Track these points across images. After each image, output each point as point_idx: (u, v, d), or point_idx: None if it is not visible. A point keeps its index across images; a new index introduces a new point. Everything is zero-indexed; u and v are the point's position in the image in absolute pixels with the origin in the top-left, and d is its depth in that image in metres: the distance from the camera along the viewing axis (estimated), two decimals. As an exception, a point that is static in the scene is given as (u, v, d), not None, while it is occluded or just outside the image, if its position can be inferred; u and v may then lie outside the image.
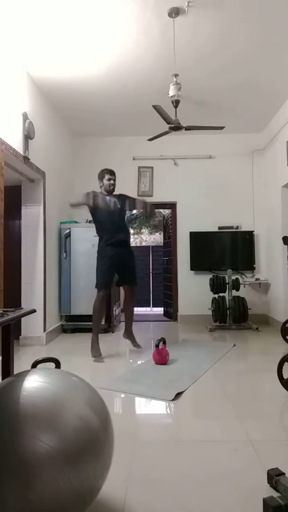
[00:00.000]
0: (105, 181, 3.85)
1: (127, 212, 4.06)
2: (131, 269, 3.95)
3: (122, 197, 3.97)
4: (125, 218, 4.06)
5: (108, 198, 3.84)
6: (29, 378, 1.34)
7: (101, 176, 3.90)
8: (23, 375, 1.37)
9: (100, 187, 3.91)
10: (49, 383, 1.33)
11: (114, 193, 3.94)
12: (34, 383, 1.32)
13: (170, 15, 3.07)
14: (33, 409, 1.23)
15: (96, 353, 3.64)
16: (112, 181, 3.86)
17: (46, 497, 1.14)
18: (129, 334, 3.95)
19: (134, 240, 13.07)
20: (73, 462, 1.19)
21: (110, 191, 3.87)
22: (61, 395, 1.30)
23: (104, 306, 3.97)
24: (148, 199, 5.84)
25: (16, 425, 1.19)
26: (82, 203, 3.74)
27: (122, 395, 2.75)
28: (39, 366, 1.73)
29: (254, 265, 5.69)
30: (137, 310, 7.80)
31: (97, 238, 3.90)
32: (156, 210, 11.70)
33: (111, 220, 3.81)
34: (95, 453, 1.26)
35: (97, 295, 3.80)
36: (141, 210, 4.04)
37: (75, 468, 1.19)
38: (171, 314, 6.15)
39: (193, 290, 5.73)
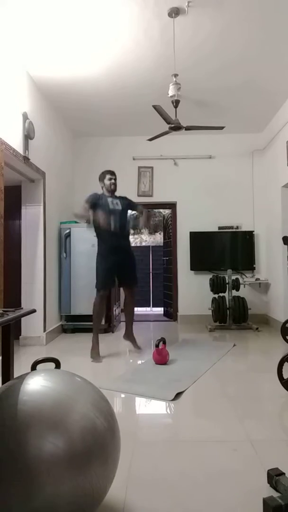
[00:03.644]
0: (106, 181, 3.86)
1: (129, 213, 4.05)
2: (131, 270, 3.94)
3: (125, 200, 3.96)
4: (127, 221, 4.01)
5: (110, 199, 3.83)
6: (33, 380, 1.31)
7: (102, 177, 3.91)
8: (26, 376, 1.34)
9: (102, 187, 3.91)
10: (53, 384, 1.30)
11: (117, 194, 3.93)
12: (38, 384, 1.29)
13: (170, 15, 3.06)
14: (38, 411, 1.20)
15: (96, 355, 3.64)
16: (113, 181, 3.87)
17: (53, 499, 1.12)
18: (129, 335, 3.94)
19: (134, 240, 13.07)
20: (80, 464, 1.16)
21: (112, 191, 3.87)
22: (65, 397, 1.27)
23: (104, 306, 3.96)
24: (148, 199, 5.87)
25: (21, 427, 1.16)
26: (85, 215, 3.70)
27: (122, 395, 2.75)
28: (39, 366, 1.73)
29: (254, 265, 5.69)
30: (137, 310, 7.77)
31: (97, 238, 3.88)
32: (156, 210, 11.62)
33: (112, 224, 3.76)
34: (102, 455, 1.23)
35: (96, 295, 3.80)
36: (138, 214, 4.03)
37: (82, 470, 1.16)
38: (171, 314, 6.15)
39: (193, 290, 5.73)
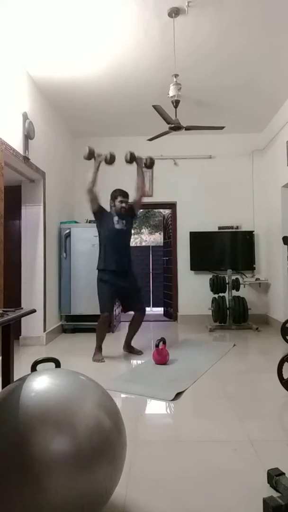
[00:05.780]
0: (117, 203, 3.79)
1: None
2: (136, 294, 3.88)
3: (128, 216, 3.87)
4: (130, 241, 3.99)
5: (116, 218, 3.78)
6: (37, 379, 1.31)
7: (113, 196, 3.83)
8: (31, 376, 1.34)
9: (111, 206, 3.86)
10: (58, 384, 1.30)
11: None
12: (43, 384, 1.29)
13: (170, 15, 3.06)
14: (43, 410, 1.19)
15: (99, 358, 3.64)
16: (124, 204, 3.78)
17: (58, 501, 1.11)
18: (129, 348, 3.95)
19: (134, 240, 13.07)
20: (86, 463, 1.14)
21: (120, 214, 3.79)
22: (70, 396, 1.27)
23: (107, 326, 3.89)
24: (148, 199, 5.85)
25: (26, 426, 1.15)
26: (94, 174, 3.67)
27: (122, 395, 2.75)
28: (39, 366, 1.74)
29: (254, 265, 5.69)
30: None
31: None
32: (156, 210, 11.58)
33: (115, 244, 3.73)
34: (108, 454, 1.22)
35: (100, 316, 3.77)
36: (143, 170, 3.97)
37: (88, 470, 1.14)
38: (171, 314, 6.15)
39: (193, 290, 5.73)
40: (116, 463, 1.25)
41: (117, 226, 3.76)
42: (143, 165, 3.92)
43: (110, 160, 3.69)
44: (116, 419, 1.32)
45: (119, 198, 3.79)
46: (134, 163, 3.93)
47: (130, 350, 3.92)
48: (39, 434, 1.14)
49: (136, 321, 3.95)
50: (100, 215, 3.79)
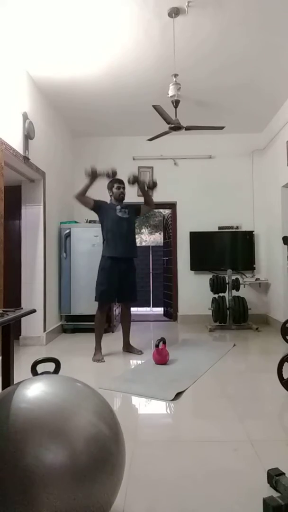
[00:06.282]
0: (115, 190, 3.83)
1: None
2: (131, 286, 3.88)
3: (132, 207, 3.91)
4: (135, 230, 3.99)
5: (118, 207, 3.80)
6: (32, 386, 1.25)
7: (110, 186, 3.88)
8: (25, 383, 1.28)
9: (110, 196, 3.89)
10: (53, 391, 1.24)
11: (125, 201, 3.91)
12: (37, 391, 1.23)
13: (170, 15, 3.06)
14: (37, 419, 1.13)
15: (98, 358, 3.64)
16: (121, 190, 3.84)
17: None
18: (128, 347, 3.95)
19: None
20: (83, 476, 1.08)
21: (120, 200, 3.84)
22: (66, 404, 1.20)
23: (104, 318, 3.92)
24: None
25: (18, 437, 1.09)
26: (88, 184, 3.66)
27: (122, 395, 2.75)
28: (39, 366, 1.74)
29: (254, 265, 5.69)
30: (137, 310, 7.82)
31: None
32: (156, 210, 11.60)
33: (119, 231, 3.75)
34: (107, 466, 1.15)
35: (97, 309, 3.80)
36: (147, 191, 4.00)
37: (86, 483, 1.08)
38: (171, 314, 6.15)
39: (193, 290, 5.73)
40: (116, 473, 1.20)
41: (119, 214, 3.79)
42: (146, 187, 3.94)
43: (112, 175, 3.73)
44: (114, 428, 1.26)
45: (116, 185, 3.84)
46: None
47: (129, 349, 3.93)
48: (32, 444, 1.08)
49: (125, 317, 3.99)
50: (99, 208, 3.81)
